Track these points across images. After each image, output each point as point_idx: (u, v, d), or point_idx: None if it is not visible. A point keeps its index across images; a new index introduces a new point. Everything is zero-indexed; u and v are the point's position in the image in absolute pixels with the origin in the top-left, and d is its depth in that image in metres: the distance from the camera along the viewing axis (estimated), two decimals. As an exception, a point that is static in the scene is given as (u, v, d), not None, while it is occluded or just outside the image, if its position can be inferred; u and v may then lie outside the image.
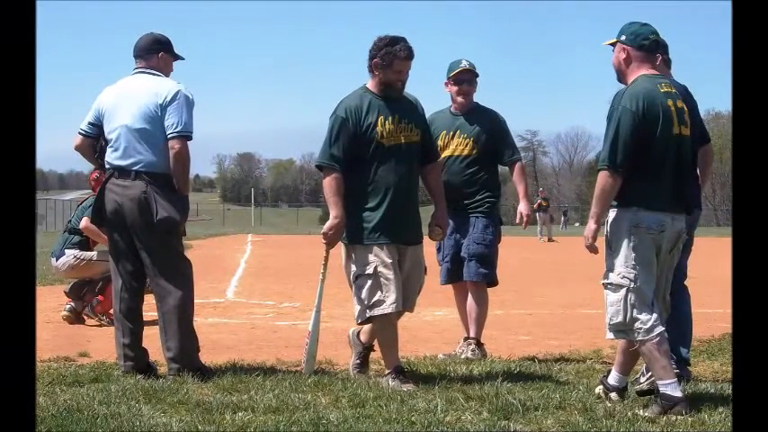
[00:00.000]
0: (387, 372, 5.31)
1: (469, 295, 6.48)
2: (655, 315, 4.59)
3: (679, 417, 4.37)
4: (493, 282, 6.51)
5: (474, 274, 6.39)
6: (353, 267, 5.32)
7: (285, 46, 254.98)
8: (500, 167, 6.76)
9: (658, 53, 4.96)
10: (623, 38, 4.77)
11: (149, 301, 5.69)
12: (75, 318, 8.31)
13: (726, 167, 60.50)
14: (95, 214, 5.65)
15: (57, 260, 8.53)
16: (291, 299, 10.89)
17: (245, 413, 4.42)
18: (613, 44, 4.83)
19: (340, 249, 5.45)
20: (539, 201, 32.61)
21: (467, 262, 6.39)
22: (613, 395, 4.78)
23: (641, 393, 4.77)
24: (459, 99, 6.55)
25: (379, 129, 5.30)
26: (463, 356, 6.33)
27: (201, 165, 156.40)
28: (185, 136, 5.40)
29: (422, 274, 5.49)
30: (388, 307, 5.21)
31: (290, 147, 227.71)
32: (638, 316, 4.56)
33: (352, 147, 5.29)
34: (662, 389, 4.50)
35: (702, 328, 7.21)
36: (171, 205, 5.39)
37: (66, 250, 8.45)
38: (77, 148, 5.70)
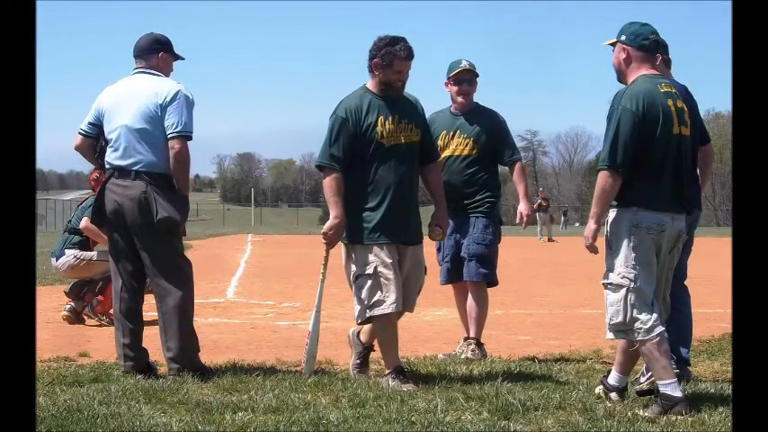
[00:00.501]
0: (387, 372, 5.31)
1: (469, 295, 6.48)
2: (655, 315, 4.59)
3: (679, 417, 4.37)
4: (493, 282, 6.51)
5: (474, 274, 6.39)
6: (353, 267, 5.32)
7: (285, 46, 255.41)
8: (500, 167, 6.76)
9: (658, 53, 4.96)
10: (623, 38, 4.77)
11: (149, 301, 5.69)
12: (76, 318, 8.31)
13: (726, 167, 60.54)
14: (95, 214, 5.66)
15: (57, 260, 8.53)
16: (291, 299, 10.89)
17: (245, 413, 4.42)
18: (613, 44, 4.83)
19: (340, 249, 5.45)
20: (539, 201, 32.57)
21: (467, 262, 6.39)
22: (613, 395, 4.77)
23: (641, 393, 4.77)
24: (460, 99, 6.54)
25: (379, 129, 5.29)
26: (463, 356, 6.33)
27: (201, 165, 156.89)
28: (185, 136, 5.41)
29: (422, 274, 5.49)
30: (388, 307, 5.21)
31: (290, 147, 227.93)
32: (638, 316, 4.56)
33: (352, 147, 5.29)
34: (662, 389, 4.50)
35: (702, 328, 7.22)
36: (171, 205, 5.39)
37: (66, 250, 8.45)
38: (77, 148, 5.70)
